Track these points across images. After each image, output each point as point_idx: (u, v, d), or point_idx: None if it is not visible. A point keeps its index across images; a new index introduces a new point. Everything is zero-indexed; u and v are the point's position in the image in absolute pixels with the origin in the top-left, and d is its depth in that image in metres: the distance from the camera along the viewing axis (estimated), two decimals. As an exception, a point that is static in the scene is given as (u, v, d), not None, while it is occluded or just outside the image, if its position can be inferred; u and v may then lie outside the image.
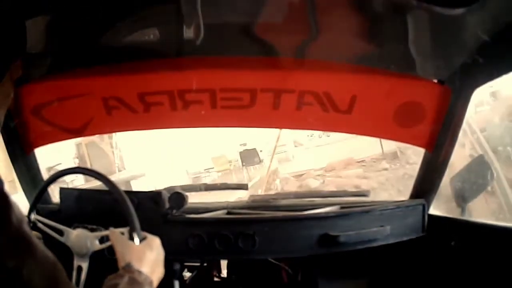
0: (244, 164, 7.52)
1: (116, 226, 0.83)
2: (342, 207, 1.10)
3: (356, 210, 1.06)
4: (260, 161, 7.56)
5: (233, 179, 6.75)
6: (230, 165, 7.65)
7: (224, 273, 1.27)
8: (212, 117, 1.14)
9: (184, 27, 0.95)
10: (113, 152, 7.00)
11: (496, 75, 0.92)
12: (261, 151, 7.59)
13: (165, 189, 1.07)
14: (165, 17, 0.95)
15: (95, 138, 6.75)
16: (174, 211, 0.98)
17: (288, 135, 7.87)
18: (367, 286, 1.18)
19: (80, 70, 1.05)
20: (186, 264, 1.17)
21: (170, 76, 1.09)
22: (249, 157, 7.47)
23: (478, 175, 1.13)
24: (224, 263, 1.27)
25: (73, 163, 6.79)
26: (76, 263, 0.86)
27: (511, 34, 0.79)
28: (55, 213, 0.99)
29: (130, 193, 0.89)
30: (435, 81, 1.04)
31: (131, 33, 0.98)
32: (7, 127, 1.06)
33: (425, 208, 1.08)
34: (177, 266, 1.00)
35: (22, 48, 0.64)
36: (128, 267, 0.69)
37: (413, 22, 0.89)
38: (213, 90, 1.09)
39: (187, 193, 1.00)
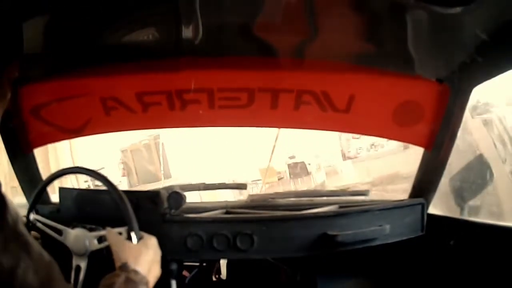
0: (291, 176, 7.49)
1: (115, 226, 0.83)
2: (341, 207, 1.10)
3: (355, 209, 1.06)
4: (308, 174, 7.53)
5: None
6: (277, 177, 7.60)
7: (223, 273, 1.27)
8: (210, 117, 1.14)
9: (183, 27, 0.95)
10: (159, 159, 6.95)
11: (494, 73, 0.92)
12: (309, 164, 7.56)
13: (163, 188, 1.08)
14: (163, 17, 0.95)
15: (142, 145, 6.77)
16: (173, 210, 0.98)
17: (337, 147, 7.91)
18: (366, 286, 1.18)
19: (78, 70, 1.06)
20: (185, 263, 1.17)
21: (168, 76, 1.09)
22: (296, 169, 7.46)
23: (477, 174, 1.13)
24: (223, 263, 1.27)
25: (118, 169, 6.84)
26: (74, 262, 0.86)
27: (509, 33, 0.79)
28: (54, 213, 1.00)
29: (129, 193, 0.89)
30: (434, 80, 1.04)
31: (129, 34, 0.98)
32: (6, 127, 1.06)
33: (424, 207, 1.08)
34: (174, 266, 1.00)
35: (19, 49, 0.64)
36: (124, 267, 0.69)
37: (411, 21, 0.89)
38: (211, 90, 1.09)
39: (185, 193, 1.00)
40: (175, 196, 0.97)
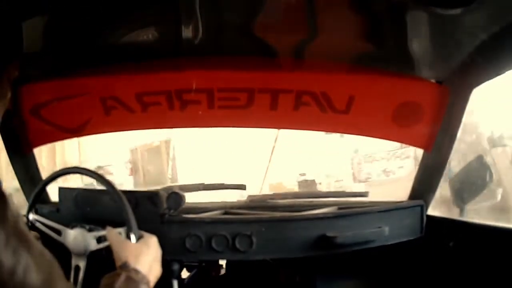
0: (301, 194, 7.49)
1: (114, 226, 0.83)
2: (340, 208, 1.09)
3: (354, 211, 1.06)
4: (318, 193, 7.53)
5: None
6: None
7: (222, 273, 1.27)
8: (210, 117, 1.14)
9: (183, 27, 0.95)
10: (168, 162, 6.84)
11: (494, 74, 0.92)
12: (320, 183, 7.48)
13: (162, 189, 1.08)
14: (163, 17, 0.95)
15: (153, 145, 6.70)
16: (172, 211, 0.98)
17: (348, 170, 7.89)
18: (365, 287, 1.17)
19: (78, 70, 1.06)
20: (184, 263, 1.17)
21: (168, 76, 1.09)
22: (307, 187, 7.44)
23: (477, 176, 1.13)
24: (223, 263, 1.27)
25: (124, 167, 6.76)
26: (74, 262, 0.86)
27: (509, 33, 0.79)
28: (54, 213, 1.00)
29: (128, 193, 0.89)
30: (434, 81, 1.04)
31: (129, 34, 0.98)
32: (6, 127, 1.06)
33: (423, 209, 1.08)
34: (175, 266, 1.00)
35: (19, 49, 0.64)
36: (125, 266, 0.69)
37: (411, 22, 0.89)
38: (210, 90, 1.09)
39: (185, 193, 1.00)
40: (174, 196, 0.97)
